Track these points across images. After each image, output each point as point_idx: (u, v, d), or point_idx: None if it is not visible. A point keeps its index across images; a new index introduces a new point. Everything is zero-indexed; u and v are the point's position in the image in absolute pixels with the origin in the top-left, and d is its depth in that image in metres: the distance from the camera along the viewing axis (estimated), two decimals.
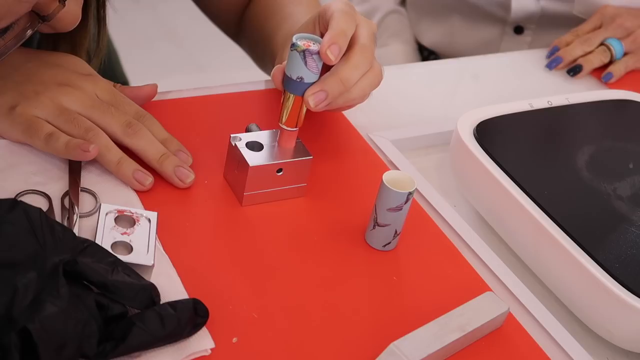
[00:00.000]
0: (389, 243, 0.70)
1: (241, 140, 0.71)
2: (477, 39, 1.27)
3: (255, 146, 0.71)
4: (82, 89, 0.72)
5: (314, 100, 0.69)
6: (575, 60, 1.06)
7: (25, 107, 0.69)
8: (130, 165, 0.70)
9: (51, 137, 0.69)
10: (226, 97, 0.85)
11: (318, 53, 0.67)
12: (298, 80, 0.68)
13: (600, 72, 1.06)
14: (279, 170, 0.71)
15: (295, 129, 0.71)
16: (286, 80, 0.69)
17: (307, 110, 0.70)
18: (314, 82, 0.69)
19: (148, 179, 0.70)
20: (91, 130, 0.69)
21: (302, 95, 0.69)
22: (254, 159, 0.70)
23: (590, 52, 1.06)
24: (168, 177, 0.71)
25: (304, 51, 0.67)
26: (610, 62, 1.06)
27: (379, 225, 0.69)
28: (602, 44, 1.07)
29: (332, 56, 0.68)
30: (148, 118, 0.74)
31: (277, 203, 0.73)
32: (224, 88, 0.86)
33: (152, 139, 0.72)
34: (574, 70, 1.04)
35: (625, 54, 1.07)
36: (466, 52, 1.25)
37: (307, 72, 0.68)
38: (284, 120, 0.70)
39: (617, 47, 1.06)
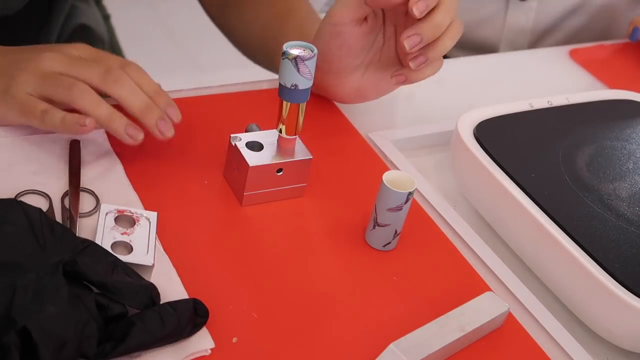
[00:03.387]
0: (389, 243, 0.70)
1: (241, 140, 0.71)
2: (480, 13, 1.25)
3: (255, 146, 0.71)
4: (60, 51, 0.70)
5: (409, 43, 0.70)
6: None
7: (15, 88, 0.69)
8: (122, 119, 0.68)
9: (46, 113, 0.68)
10: (226, 97, 0.85)
11: (310, 59, 0.67)
12: (292, 87, 0.68)
13: None
14: (279, 170, 0.71)
15: (294, 136, 0.71)
16: (281, 88, 0.69)
17: (305, 114, 0.70)
18: (310, 87, 0.68)
19: (140, 134, 0.68)
20: (75, 86, 0.67)
21: (298, 103, 0.69)
22: (254, 159, 0.70)
23: None
24: (150, 128, 0.69)
25: (295, 58, 0.66)
26: None
27: (379, 225, 0.69)
28: None
29: (417, 12, 0.69)
30: (134, 68, 0.71)
31: (277, 203, 0.73)
32: (224, 88, 0.86)
33: (134, 88, 0.69)
34: None
35: None
36: (471, 27, 1.24)
37: (300, 78, 0.67)
38: (281, 128, 0.70)
39: None
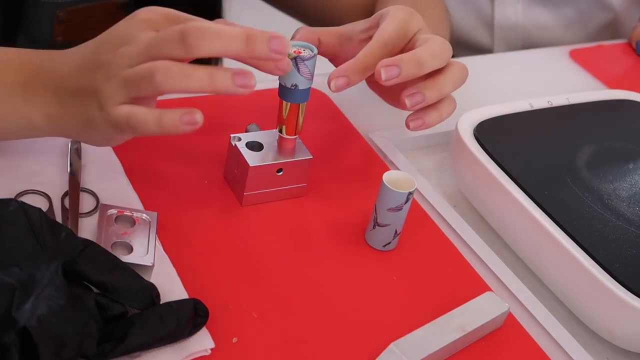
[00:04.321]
0: (389, 243, 0.70)
1: (241, 140, 0.71)
2: (468, 12, 1.25)
3: (255, 146, 0.71)
4: (129, 39, 0.60)
5: (385, 74, 0.66)
6: None
7: (105, 105, 0.59)
8: (225, 74, 0.57)
9: (159, 119, 0.59)
10: (226, 97, 0.85)
11: (310, 59, 0.67)
12: (292, 87, 0.68)
13: None
14: (279, 170, 0.71)
15: (294, 136, 0.71)
16: (281, 88, 0.69)
17: (305, 114, 0.70)
18: (309, 88, 0.68)
19: (252, 78, 0.58)
20: (155, 69, 0.57)
21: (298, 103, 0.69)
22: (254, 159, 0.70)
23: None
24: (264, 55, 0.58)
25: (295, 58, 0.66)
26: None
27: (379, 225, 0.69)
28: None
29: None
30: (196, 21, 0.60)
31: (277, 203, 0.73)
32: None
33: (220, 32, 0.57)
34: None
35: None
36: (461, 29, 1.23)
37: (300, 78, 0.67)
38: (282, 129, 0.70)
39: None
